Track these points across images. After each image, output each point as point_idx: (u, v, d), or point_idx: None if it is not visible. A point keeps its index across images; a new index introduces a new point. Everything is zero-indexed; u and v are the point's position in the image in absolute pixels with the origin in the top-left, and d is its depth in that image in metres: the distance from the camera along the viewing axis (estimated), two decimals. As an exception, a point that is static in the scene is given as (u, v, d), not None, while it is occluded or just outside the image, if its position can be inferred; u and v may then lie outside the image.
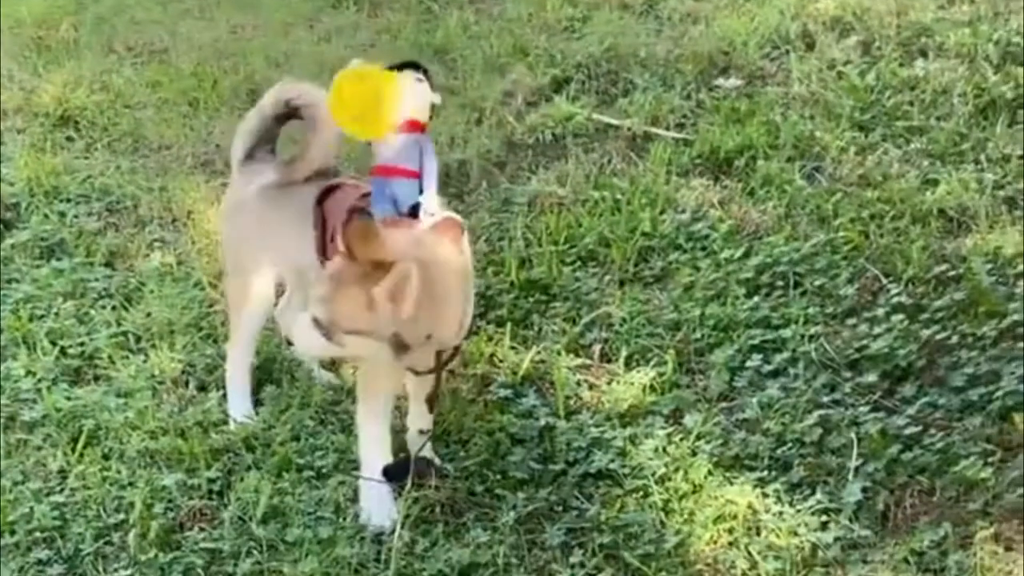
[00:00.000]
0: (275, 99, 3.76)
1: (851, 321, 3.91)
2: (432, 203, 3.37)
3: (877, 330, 3.82)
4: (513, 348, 3.97)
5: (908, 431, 3.43)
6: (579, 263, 4.41)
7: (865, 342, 3.78)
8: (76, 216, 4.85)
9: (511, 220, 4.67)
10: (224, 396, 3.80)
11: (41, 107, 5.69)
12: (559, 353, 3.90)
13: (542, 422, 3.62)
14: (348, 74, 3.44)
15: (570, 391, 3.75)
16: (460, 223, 3.37)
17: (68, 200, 4.97)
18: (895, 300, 3.96)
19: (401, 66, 3.47)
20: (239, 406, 3.77)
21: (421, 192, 3.36)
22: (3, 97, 5.86)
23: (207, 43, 6.24)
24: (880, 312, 3.92)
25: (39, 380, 3.91)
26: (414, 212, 3.35)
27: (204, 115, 5.57)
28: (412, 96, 3.44)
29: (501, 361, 3.93)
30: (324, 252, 3.50)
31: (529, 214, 4.70)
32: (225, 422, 3.72)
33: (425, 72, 3.48)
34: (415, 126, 3.43)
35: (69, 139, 5.52)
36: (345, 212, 3.34)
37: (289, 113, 3.75)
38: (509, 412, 3.67)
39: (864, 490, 3.27)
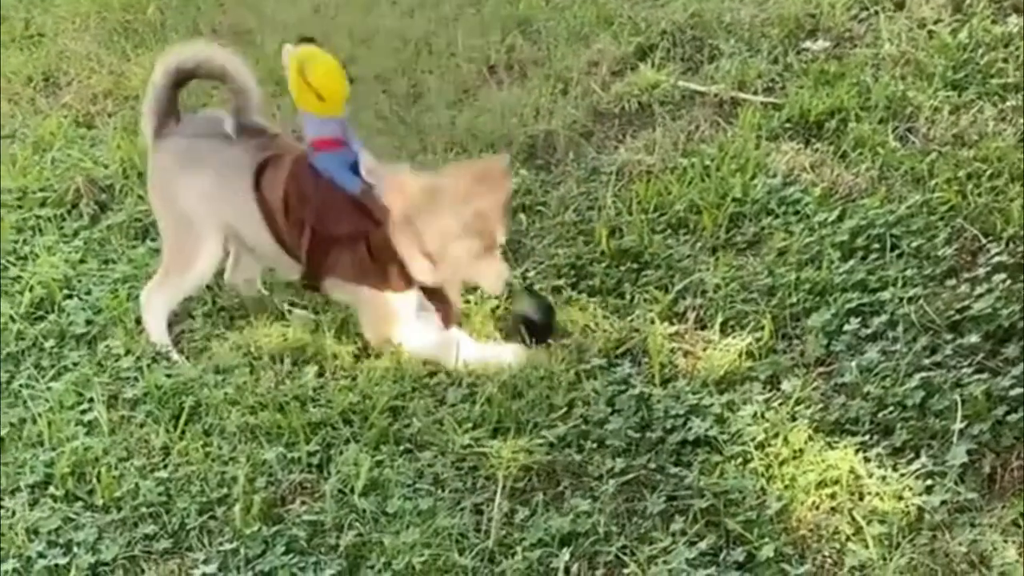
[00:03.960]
0: (165, 70, 3.99)
1: (951, 282, 3.84)
2: (369, 160, 3.88)
3: (978, 290, 3.74)
4: (606, 317, 3.96)
5: (1014, 392, 3.36)
6: (670, 231, 4.38)
7: (966, 303, 3.71)
8: (169, 197, 4.90)
9: (600, 190, 4.65)
10: (321, 370, 3.84)
11: (131, 90, 5.76)
12: (653, 321, 3.88)
13: (638, 390, 3.60)
14: (302, 56, 3.87)
15: (665, 359, 3.73)
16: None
17: (160, 181, 5.03)
18: (995, 260, 3.88)
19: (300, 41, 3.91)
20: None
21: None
22: (93, 81, 5.94)
23: (291, 23, 6.25)
24: (981, 272, 3.84)
25: (138, 358, 3.97)
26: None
27: (290, 95, 5.58)
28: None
29: (594, 330, 3.92)
30: (276, 232, 3.92)
31: (618, 183, 4.67)
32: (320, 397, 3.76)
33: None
34: None
35: (159, 121, 5.58)
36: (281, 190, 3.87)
37: (183, 79, 4.02)
38: (604, 381, 3.66)
39: (969, 453, 3.21)
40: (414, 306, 3.92)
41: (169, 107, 4.02)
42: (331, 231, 3.85)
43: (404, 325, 3.88)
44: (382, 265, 3.84)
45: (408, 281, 3.86)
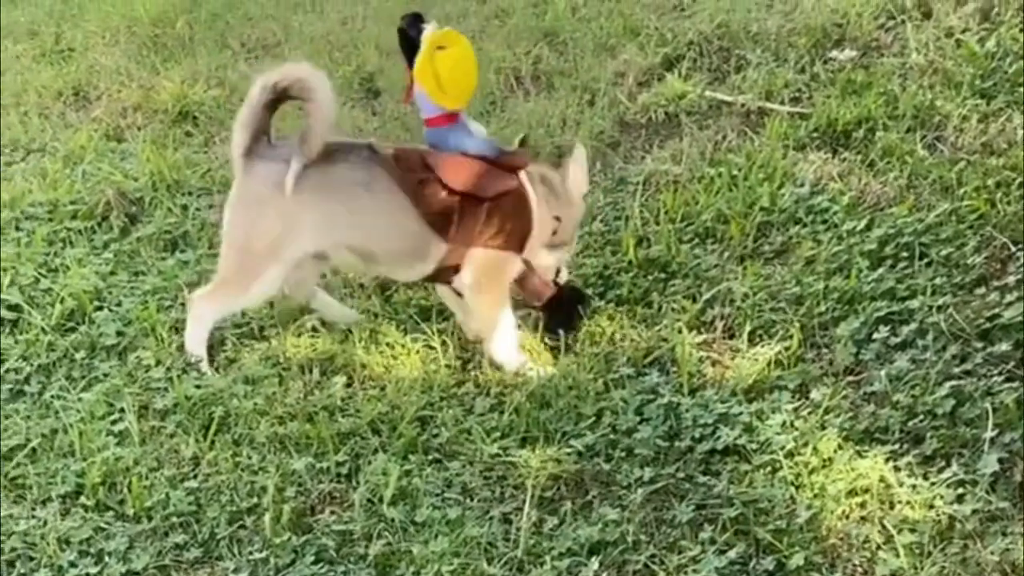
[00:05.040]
0: (262, 87, 3.88)
1: (980, 291, 3.82)
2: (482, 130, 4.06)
3: (1008, 299, 3.72)
4: (634, 327, 3.96)
5: (1044, 400, 3.35)
6: (697, 240, 4.38)
7: (996, 311, 3.69)
8: (198, 209, 4.95)
9: (627, 200, 4.66)
10: (349, 380, 3.85)
11: (160, 104, 5.80)
12: (681, 330, 3.88)
13: (666, 399, 3.60)
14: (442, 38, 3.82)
15: (694, 368, 3.73)
16: None
17: (190, 193, 5.08)
18: (1025, 268, 3.87)
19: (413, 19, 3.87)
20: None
21: None
22: (123, 95, 5.98)
23: (319, 36, 6.30)
24: (1010, 280, 3.83)
25: (168, 369, 3.99)
26: None
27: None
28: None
29: (622, 340, 3.92)
30: (426, 211, 3.86)
31: (645, 193, 4.68)
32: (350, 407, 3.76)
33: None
34: None
35: (188, 134, 5.62)
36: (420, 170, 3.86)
37: (278, 98, 3.91)
38: (633, 390, 3.66)
39: (1001, 461, 3.19)
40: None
41: (262, 125, 3.91)
42: (480, 195, 3.87)
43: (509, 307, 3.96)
44: (519, 226, 3.92)
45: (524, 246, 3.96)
